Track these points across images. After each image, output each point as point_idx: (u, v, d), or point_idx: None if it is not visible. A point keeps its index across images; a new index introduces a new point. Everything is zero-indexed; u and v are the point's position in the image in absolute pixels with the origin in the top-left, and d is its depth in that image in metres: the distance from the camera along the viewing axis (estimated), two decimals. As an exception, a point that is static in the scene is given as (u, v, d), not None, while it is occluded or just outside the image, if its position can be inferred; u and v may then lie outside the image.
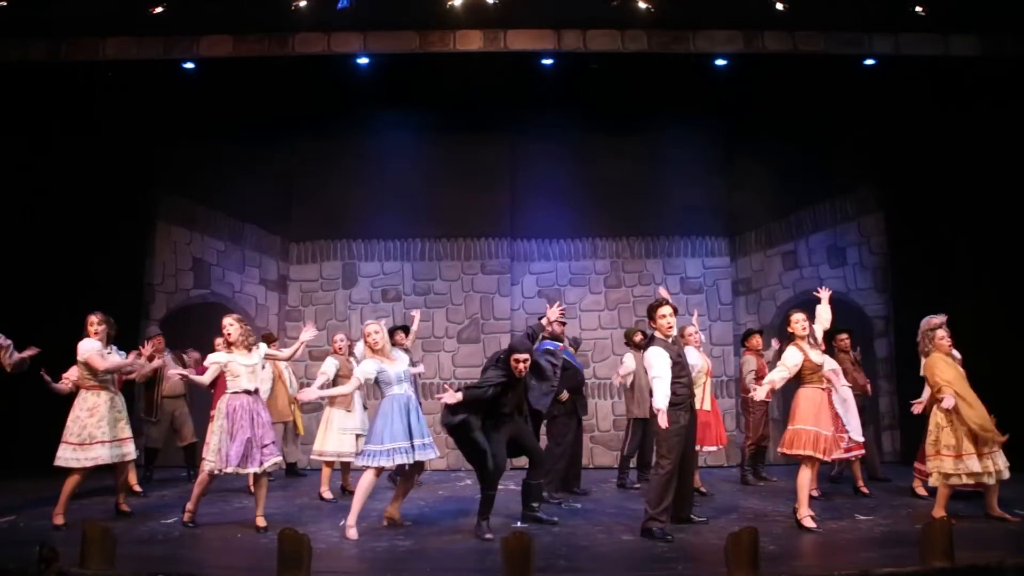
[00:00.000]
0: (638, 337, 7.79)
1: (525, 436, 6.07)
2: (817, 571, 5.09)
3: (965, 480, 5.97)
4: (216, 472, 5.85)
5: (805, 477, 5.93)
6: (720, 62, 8.73)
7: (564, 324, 7.46)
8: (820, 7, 7.85)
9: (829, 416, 6.10)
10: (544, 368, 6.27)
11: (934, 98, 9.09)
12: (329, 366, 7.11)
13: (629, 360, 7.86)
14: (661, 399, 5.55)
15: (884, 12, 7.90)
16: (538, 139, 10.07)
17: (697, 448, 6.77)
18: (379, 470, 5.87)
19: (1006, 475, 5.99)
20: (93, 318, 6.28)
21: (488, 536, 5.64)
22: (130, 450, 6.45)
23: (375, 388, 6.17)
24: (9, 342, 6.26)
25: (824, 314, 6.28)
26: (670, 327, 5.84)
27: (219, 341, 6.41)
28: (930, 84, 8.98)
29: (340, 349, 7.58)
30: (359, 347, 7.01)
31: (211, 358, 6.10)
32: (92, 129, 9.26)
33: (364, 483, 5.81)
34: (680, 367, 5.79)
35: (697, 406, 6.51)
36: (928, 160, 9.34)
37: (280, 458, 6.12)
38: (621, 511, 6.73)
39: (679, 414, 5.71)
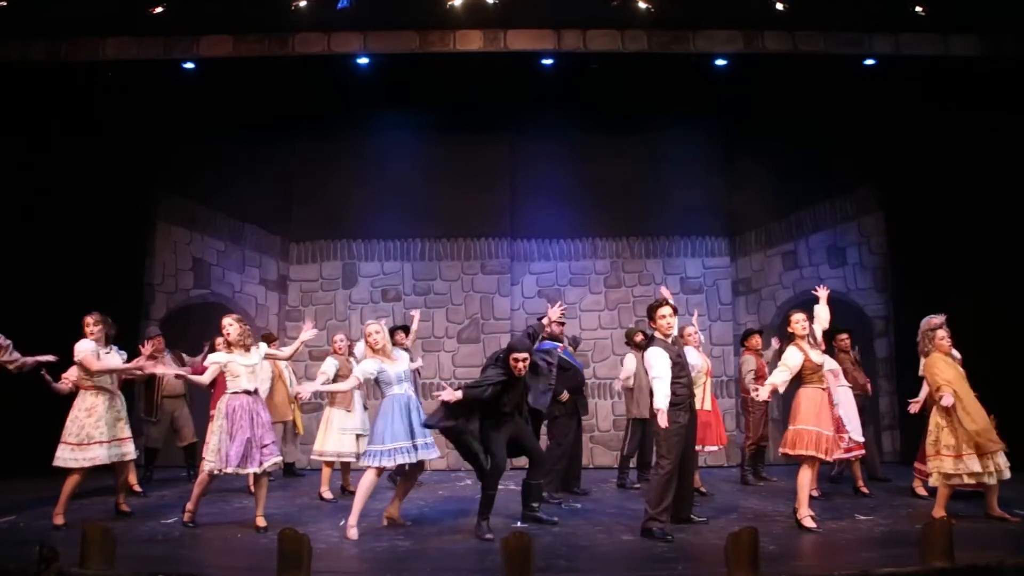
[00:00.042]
0: (639, 337, 7.79)
1: (525, 436, 6.07)
2: (817, 571, 5.08)
3: (966, 480, 5.97)
4: (216, 472, 5.85)
5: (805, 477, 5.93)
6: (720, 62, 8.73)
7: (563, 325, 7.47)
8: (820, 7, 7.85)
9: (830, 416, 6.10)
10: (540, 366, 6.28)
11: (934, 98, 9.08)
12: (329, 366, 7.11)
13: (630, 362, 7.86)
14: (661, 399, 5.55)
15: (884, 12, 7.90)
16: (538, 139, 10.08)
17: (698, 448, 6.79)
18: (380, 470, 5.88)
19: (1007, 475, 5.99)
20: (88, 319, 6.28)
21: (488, 536, 5.64)
22: (129, 450, 6.44)
23: (375, 388, 6.18)
24: (9, 342, 6.26)
25: (823, 314, 6.27)
26: (670, 327, 5.85)
27: (219, 341, 6.41)
28: (930, 84, 8.97)
29: (340, 349, 7.58)
30: (359, 347, 7.01)
31: (211, 358, 6.11)
32: (92, 129, 9.26)
33: (365, 483, 5.82)
34: (680, 367, 5.79)
35: (697, 406, 6.52)
36: (928, 160, 9.34)
37: (280, 458, 6.13)
38: (621, 511, 6.73)
39: (679, 414, 5.71)
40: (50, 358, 6.40)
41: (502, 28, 8.23)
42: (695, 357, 7.01)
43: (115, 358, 6.39)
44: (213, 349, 7.24)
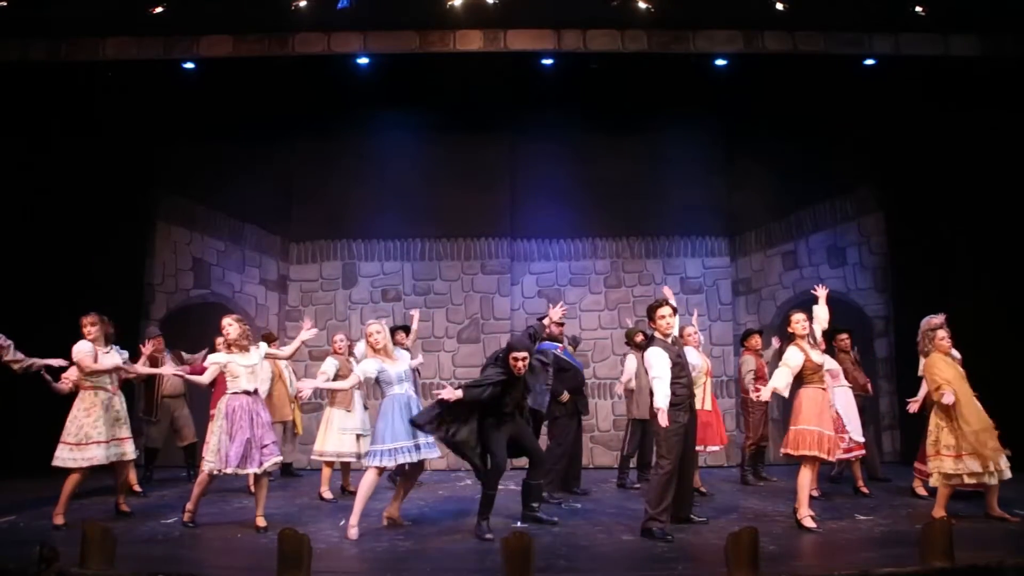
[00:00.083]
0: (639, 337, 7.78)
1: (525, 436, 6.07)
2: (817, 571, 5.08)
3: (966, 480, 5.97)
4: (215, 472, 5.85)
5: (806, 477, 5.93)
6: (720, 62, 8.73)
7: (562, 326, 7.47)
8: (820, 7, 7.85)
9: (831, 416, 6.10)
10: (535, 366, 6.28)
11: (934, 98, 9.08)
12: (329, 366, 7.11)
13: (631, 363, 7.86)
14: (661, 399, 5.56)
15: (884, 12, 7.90)
16: (538, 139, 10.08)
17: (699, 448, 6.79)
18: (381, 470, 5.88)
19: (1008, 475, 5.99)
20: (85, 319, 6.29)
21: (488, 536, 5.64)
22: (128, 450, 6.44)
23: (375, 388, 6.18)
24: (10, 343, 6.26)
25: (821, 314, 6.27)
26: (669, 327, 5.85)
27: (219, 341, 6.42)
28: (930, 84, 8.97)
29: (340, 349, 7.58)
30: (360, 347, 7.02)
31: (211, 359, 6.12)
32: (92, 129, 9.26)
33: (366, 483, 5.82)
34: (680, 367, 5.79)
35: (698, 406, 6.52)
36: (928, 160, 9.34)
37: (280, 458, 6.13)
38: (621, 511, 6.73)
39: (679, 414, 5.71)
40: (60, 362, 6.39)
41: (502, 28, 8.23)
42: (695, 357, 7.01)
43: (115, 357, 6.39)
44: (214, 350, 7.24)
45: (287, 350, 6.67)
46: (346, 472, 7.80)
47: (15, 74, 8.42)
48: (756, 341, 8.22)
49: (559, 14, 8.18)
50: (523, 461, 6.30)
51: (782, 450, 6.18)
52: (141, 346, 7.11)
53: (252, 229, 10.18)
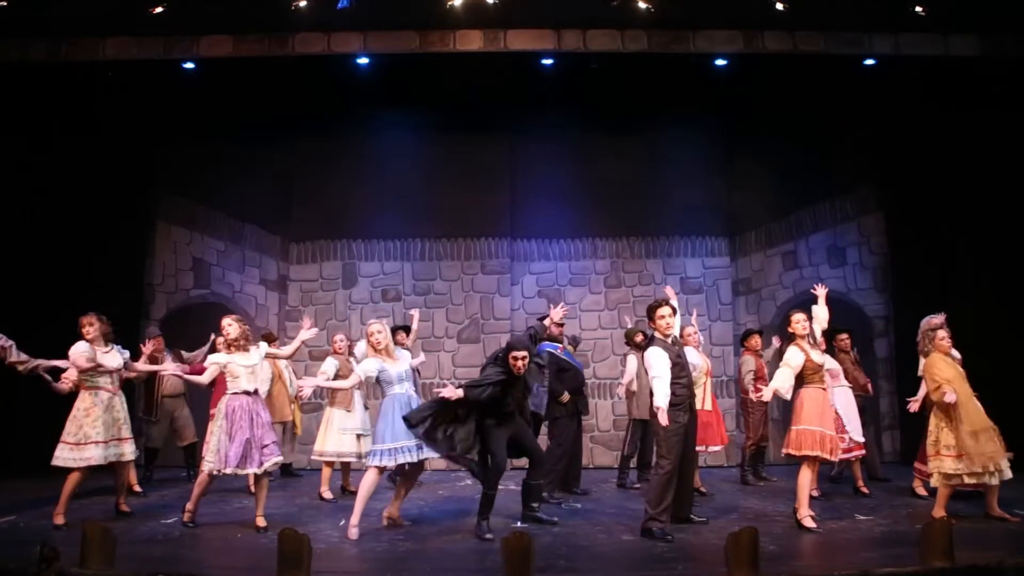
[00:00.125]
0: (639, 338, 7.78)
1: (526, 436, 6.07)
2: (817, 571, 5.09)
3: (966, 480, 5.97)
4: (215, 473, 5.85)
5: (806, 477, 5.93)
6: (720, 62, 8.73)
7: (561, 327, 7.47)
8: (820, 7, 7.85)
9: (831, 416, 6.10)
10: (532, 367, 6.28)
11: (934, 98, 9.08)
12: (329, 366, 7.10)
13: (631, 364, 7.85)
14: (661, 398, 5.56)
15: (884, 12, 7.90)
16: (538, 139, 10.08)
17: (700, 448, 6.78)
18: (382, 470, 5.88)
19: (1008, 475, 5.99)
20: (83, 320, 6.30)
21: (488, 536, 5.64)
22: (128, 450, 6.44)
23: (376, 388, 6.17)
24: (11, 343, 6.26)
25: (821, 313, 6.27)
26: (669, 327, 5.85)
27: (219, 340, 6.42)
28: (930, 84, 8.97)
29: (340, 349, 7.57)
30: (360, 347, 7.02)
31: (211, 359, 6.11)
32: (92, 129, 9.26)
33: (366, 483, 5.82)
34: (680, 367, 5.79)
35: (698, 406, 6.52)
36: (928, 160, 9.34)
37: (280, 458, 6.13)
38: (621, 511, 6.73)
39: (679, 414, 5.71)
40: (64, 363, 6.37)
41: (502, 28, 8.23)
42: (695, 357, 7.01)
43: (115, 357, 6.40)
44: (214, 348, 7.24)
45: (287, 350, 6.66)
46: (346, 472, 7.80)
47: (15, 74, 8.42)
48: (756, 341, 8.22)
49: (559, 14, 8.18)
50: (523, 461, 6.30)
51: (784, 450, 6.17)
52: (141, 346, 7.12)
53: (252, 229, 10.17)
